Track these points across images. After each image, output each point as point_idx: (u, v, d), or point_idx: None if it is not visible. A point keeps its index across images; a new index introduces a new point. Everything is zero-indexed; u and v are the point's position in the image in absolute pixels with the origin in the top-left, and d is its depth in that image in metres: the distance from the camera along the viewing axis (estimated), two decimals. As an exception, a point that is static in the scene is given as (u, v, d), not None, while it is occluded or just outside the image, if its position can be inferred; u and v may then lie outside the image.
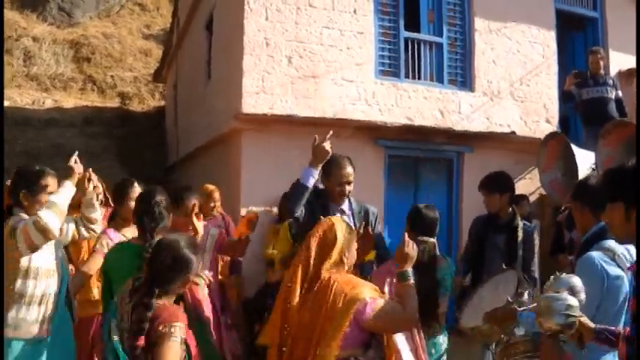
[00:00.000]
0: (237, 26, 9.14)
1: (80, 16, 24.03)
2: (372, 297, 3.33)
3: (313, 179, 4.85)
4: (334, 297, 3.31)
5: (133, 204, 4.70)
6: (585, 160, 7.82)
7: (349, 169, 5.07)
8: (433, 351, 4.79)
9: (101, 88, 21.05)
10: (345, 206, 5.18)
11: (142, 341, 3.02)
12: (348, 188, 5.06)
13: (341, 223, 3.64)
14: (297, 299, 3.42)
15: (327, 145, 4.80)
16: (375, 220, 5.28)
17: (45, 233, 3.90)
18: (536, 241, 6.13)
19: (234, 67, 9.27)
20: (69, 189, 4.22)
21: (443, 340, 4.97)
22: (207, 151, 11.76)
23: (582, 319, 3.03)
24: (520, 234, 5.91)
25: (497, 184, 6.12)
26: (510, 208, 6.11)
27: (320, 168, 4.87)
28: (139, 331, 3.05)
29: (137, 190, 5.06)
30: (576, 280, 3.18)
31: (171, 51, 18.10)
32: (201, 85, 12.66)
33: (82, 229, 4.73)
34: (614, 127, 7.26)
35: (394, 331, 3.55)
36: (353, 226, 4.08)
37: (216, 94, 10.89)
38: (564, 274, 3.24)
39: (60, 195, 4.11)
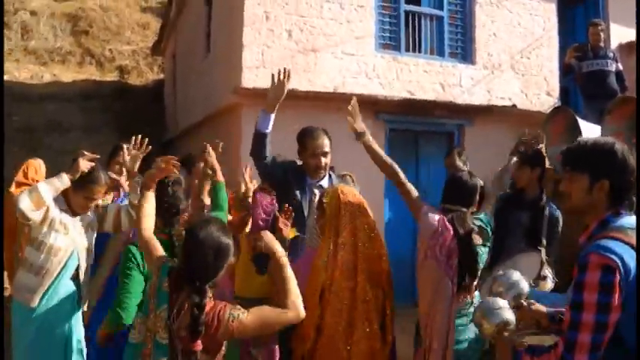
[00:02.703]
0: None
1: (77, -12, 23.84)
2: None
3: (269, 122, 4.77)
4: None
5: (118, 168, 5.07)
6: (592, 134, 7.80)
7: (323, 140, 4.85)
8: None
9: (99, 61, 20.91)
10: (325, 182, 4.92)
11: (199, 346, 2.92)
12: (323, 160, 4.83)
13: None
14: None
15: (274, 89, 4.72)
16: None
17: (20, 215, 4.05)
18: (561, 225, 5.74)
19: (233, 41, 9.22)
20: (61, 182, 4.20)
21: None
22: (206, 126, 11.70)
23: (534, 306, 3.08)
24: (546, 214, 5.62)
25: (530, 157, 5.82)
26: (539, 188, 5.82)
27: (274, 112, 4.77)
28: (195, 333, 2.92)
29: (126, 154, 5.08)
30: (514, 275, 3.27)
31: (169, 24, 17.98)
32: (201, 59, 12.58)
33: (126, 219, 4.70)
34: (620, 103, 7.24)
35: None
36: None
37: (216, 68, 10.84)
38: (501, 271, 3.35)
39: (47, 184, 4.14)
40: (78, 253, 4.34)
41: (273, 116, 4.78)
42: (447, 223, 4.23)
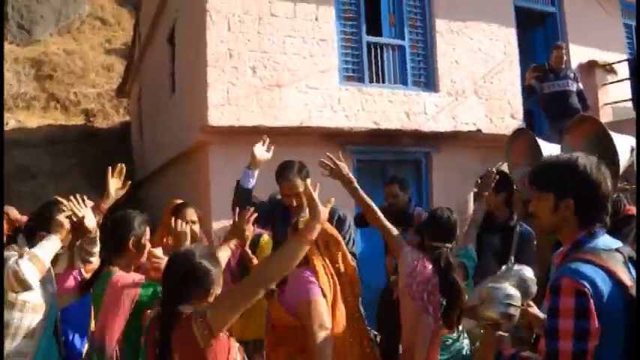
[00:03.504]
0: (200, 38, 9.10)
1: (40, 33, 23.79)
2: None
3: (252, 180, 4.91)
4: None
5: None
6: (553, 154, 7.91)
7: (292, 182, 4.90)
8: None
9: (64, 105, 20.81)
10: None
11: None
12: (295, 201, 4.90)
13: None
14: None
15: (259, 150, 4.90)
16: (344, 225, 5.04)
17: (23, 285, 3.79)
18: (534, 245, 5.89)
19: (198, 80, 9.23)
20: (54, 244, 4.10)
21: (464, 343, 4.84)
22: (174, 166, 11.68)
23: (532, 309, 3.06)
24: (516, 236, 5.76)
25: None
26: (508, 210, 6.01)
27: (257, 170, 4.93)
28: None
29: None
30: (528, 272, 3.22)
31: (133, 65, 17.98)
32: (166, 99, 12.57)
33: (79, 261, 4.65)
34: (579, 122, 7.37)
35: None
36: None
37: (182, 108, 10.83)
38: (516, 265, 3.28)
39: (44, 249, 4.00)
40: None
41: (256, 173, 4.93)
42: (426, 261, 4.39)
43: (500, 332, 2.83)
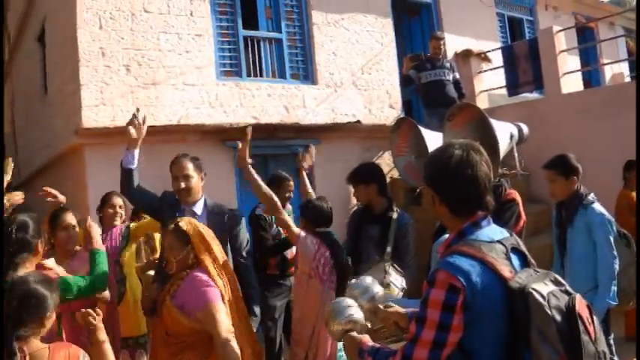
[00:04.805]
0: (71, 37, 8.77)
1: None
2: None
3: (133, 160, 4.94)
4: None
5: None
6: (435, 141, 8.02)
7: (183, 164, 5.00)
8: None
9: None
10: (199, 206, 5.03)
11: None
12: (183, 183, 4.95)
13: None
14: None
15: (133, 129, 4.95)
16: (237, 224, 5.09)
17: None
18: (411, 232, 5.89)
19: (70, 80, 8.91)
20: None
21: None
22: (50, 171, 11.20)
23: (391, 309, 3.11)
24: (393, 225, 5.76)
25: (360, 175, 5.98)
26: (386, 200, 5.97)
27: (137, 148, 4.96)
28: None
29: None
30: (367, 279, 3.40)
31: (4, 67, 17.26)
32: (38, 101, 12.08)
33: None
34: (460, 109, 7.53)
35: None
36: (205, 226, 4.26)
37: (55, 110, 10.43)
38: (354, 280, 3.48)
39: None
40: None
41: (136, 152, 4.94)
42: (322, 245, 4.96)
43: (355, 334, 2.88)
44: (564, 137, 9.55)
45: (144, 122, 5.04)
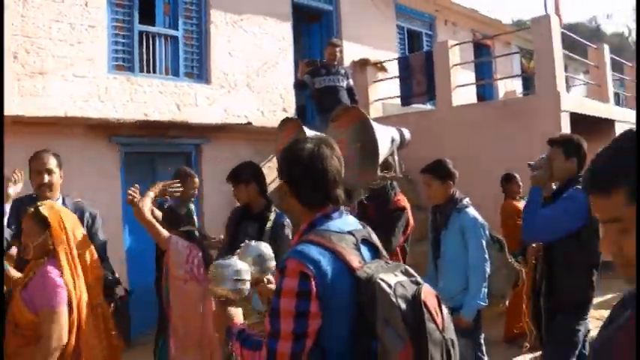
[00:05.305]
0: (-46, 19, 8.52)
1: None
2: None
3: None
4: None
5: None
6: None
7: (42, 158, 4.91)
8: None
9: None
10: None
11: None
12: (47, 177, 4.86)
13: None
14: None
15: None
16: (93, 222, 5.07)
17: None
18: (287, 232, 6.08)
19: (-49, 65, 8.66)
20: None
21: None
22: None
23: (270, 285, 3.15)
24: (269, 224, 5.76)
25: (240, 174, 5.96)
26: (265, 200, 5.94)
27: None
28: None
29: None
30: (265, 248, 3.33)
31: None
32: None
33: None
34: (343, 112, 7.72)
35: None
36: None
37: None
38: (253, 241, 3.38)
39: None
40: None
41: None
42: (194, 247, 5.13)
43: (230, 308, 2.85)
44: (452, 148, 9.84)
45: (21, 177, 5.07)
